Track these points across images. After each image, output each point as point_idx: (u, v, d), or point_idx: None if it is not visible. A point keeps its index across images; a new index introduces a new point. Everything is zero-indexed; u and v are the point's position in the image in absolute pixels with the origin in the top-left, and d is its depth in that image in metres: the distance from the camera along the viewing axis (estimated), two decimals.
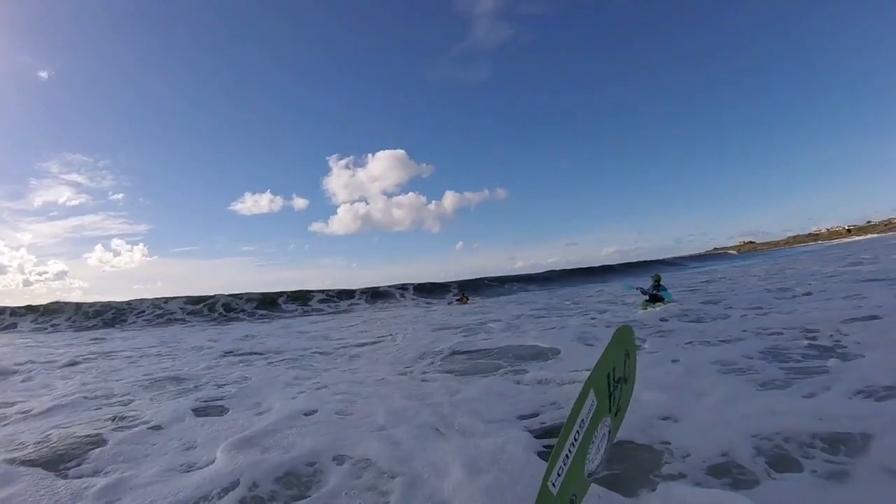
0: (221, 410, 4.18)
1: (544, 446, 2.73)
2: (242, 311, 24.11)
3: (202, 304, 24.49)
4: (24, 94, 58.84)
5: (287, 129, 75.96)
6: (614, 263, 32.30)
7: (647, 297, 10.19)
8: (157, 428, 3.67)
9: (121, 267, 57.55)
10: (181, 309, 23.93)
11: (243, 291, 26.28)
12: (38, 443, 3.45)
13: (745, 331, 5.66)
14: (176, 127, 71.71)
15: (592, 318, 9.35)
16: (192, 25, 65.76)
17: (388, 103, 77.60)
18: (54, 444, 3.39)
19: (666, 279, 11.37)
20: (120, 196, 64.55)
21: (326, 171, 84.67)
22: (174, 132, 72.24)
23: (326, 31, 72.38)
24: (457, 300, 21.99)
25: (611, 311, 10.48)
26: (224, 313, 23.59)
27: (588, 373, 1.54)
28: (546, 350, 5.88)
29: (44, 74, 56.27)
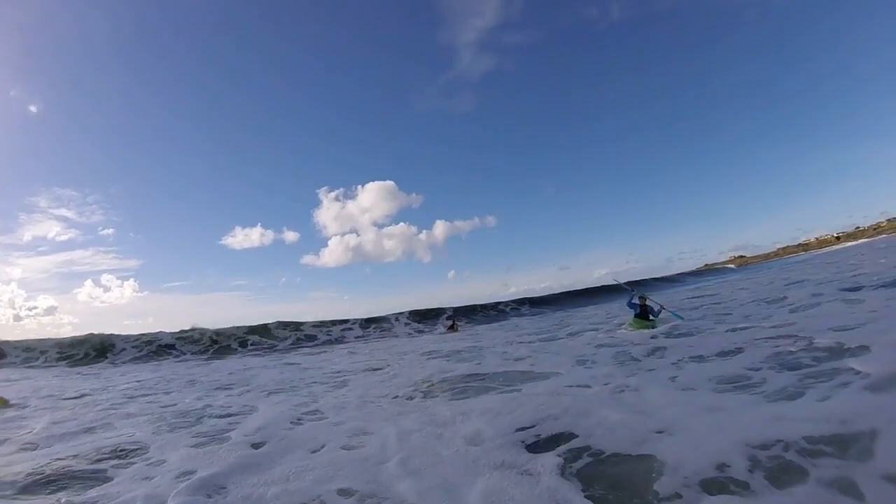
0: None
1: None
2: (234, 336, 24.18)
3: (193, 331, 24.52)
4: (14, 128, 59.25)
5: (276, 163, 76.84)
6: (609, 283, 32.35)
7: (636, 312, 9.86)
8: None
9: (111, 302, 56.82)
10: (177, 340, 23.75)
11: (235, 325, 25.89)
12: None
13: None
14: (166, 162, 72.39)
15: (587, 343, 9.41)
16: (180, 63, 67.24)
17: (377, 135, 78.96)
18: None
19: (664, 297, 11.28)
20: (110, 231, 64.46)
21: (317, 203, 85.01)
22: (164, 167, 72.83)
23: (312, 66, 74.11)
24: (448, 327, 21.01)
25: (603, 331, 10.54)
26: (214, 341, 23.52)
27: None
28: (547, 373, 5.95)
29: (33, 108, 56.76)
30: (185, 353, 21.81)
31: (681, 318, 10.07)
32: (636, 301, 10.14)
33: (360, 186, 74.03)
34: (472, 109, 75.93)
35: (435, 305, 30.48)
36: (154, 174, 74.09)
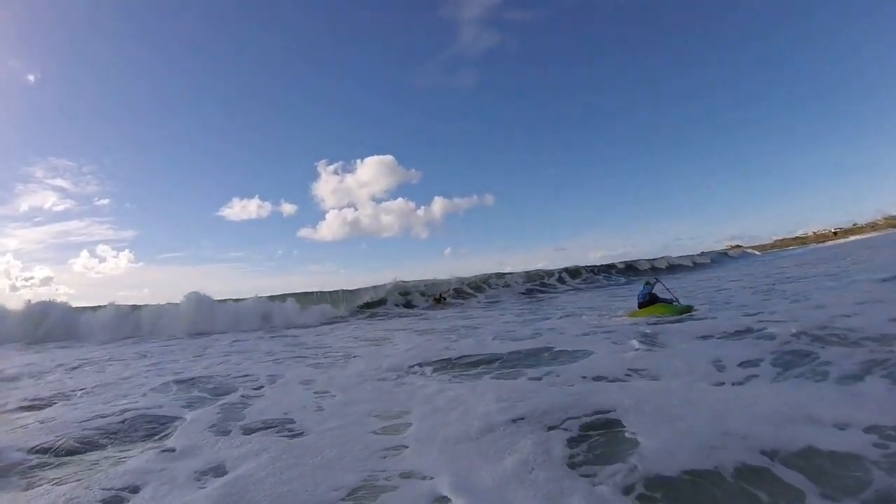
0: None
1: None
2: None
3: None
4: (12, 98, 58.10)
5: (275, 135, 75.77)
6: (604, 263, 31.79)
7: (642, 301, 9.23)
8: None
9: (107, 273, 56.94)
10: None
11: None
12: None
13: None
14: (162, 132, 71.24)
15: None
16: (179, 30, 65.46)
17: (377, 109, 77.72)
18: None
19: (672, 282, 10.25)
20: (105, 201, 63.94)
21: (315, 176, 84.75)
22: (160, 137, 71.74)
23: (314, 37, 72.33)
24: (434, 300, 20.36)
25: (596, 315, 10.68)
26: None
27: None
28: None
29: (31, 78, 55.65)
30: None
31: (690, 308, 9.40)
32: (645, 290, 9.44)
33: (359, 160, 73.27)
34: (474, 86, 74.74)
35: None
36: (151, 144, 73.08)
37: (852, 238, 75.84)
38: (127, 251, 64.61)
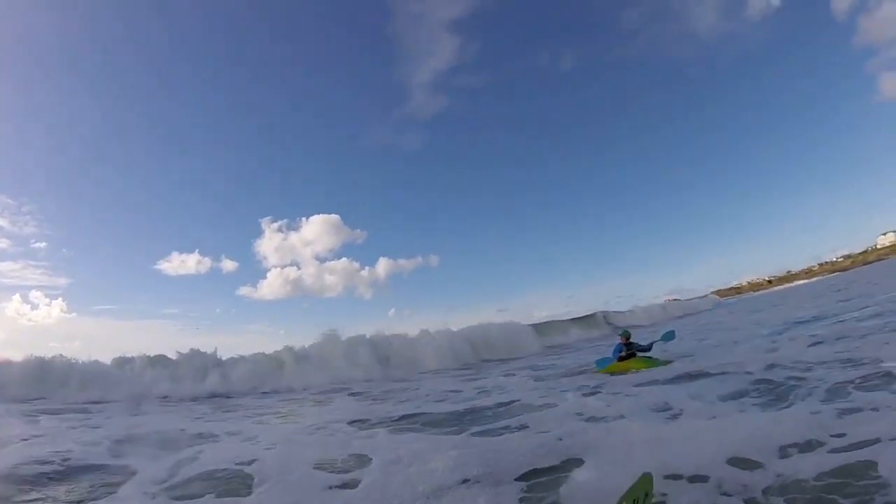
0: None
1: None
2: None
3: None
4: None
5: (219, 189, 74.47)
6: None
7: (618, 356, 8.54)
8: None
9: (38, 321, 52.45)
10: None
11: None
12: None
13: None
14: (106, 178, 68.81)
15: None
16: (125, 77, 65.53)
17: (324, 167, 78.96)
18: None
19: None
20: (42, 244, 60.22)
21: (258, 233, 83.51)
22: (103, 183, 68.96)
23: (262, 92, 73.90)
24: None
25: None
26: None
27: None
28: None
29: None
30: None
31: (672, 337, 9.33)
32: (619, 342, 8.75)
33: (304, 218, 72.83)
34: (421, 148, 77.91)
35: None
36: (92, 190, 70.09)
37: (786, 286, 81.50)
38: (60, 300, 59.34)
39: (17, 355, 17.52)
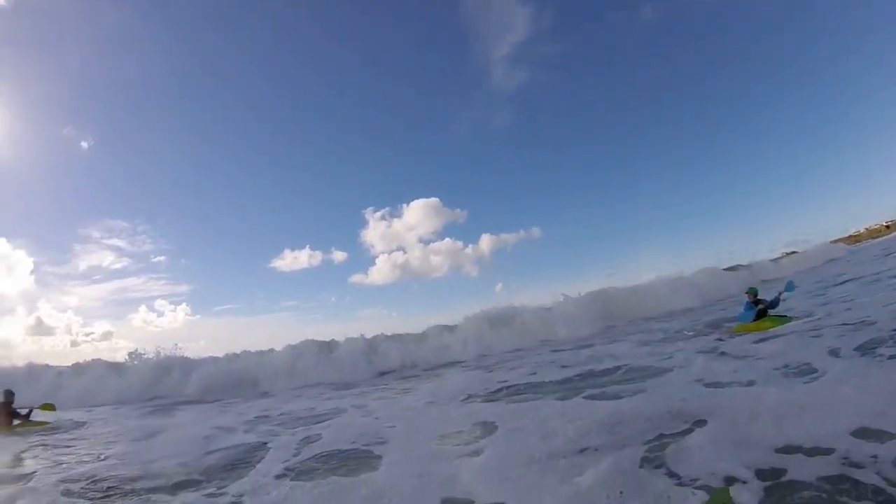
0: None
1: None
2: None
3: None
4: (67, 164, 63.99)
5: (323, 188, 79.25)
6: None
7: (751, 318, 8.45)
8: None
9: (164, 327, 60.10)
10: None
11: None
12: None
13: None
14: (213, 188, 76.07)
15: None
16: (222, 82, 70.34)
17: (417, 153, 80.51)
18: None
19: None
20: (161, 258, 68.15)
21: (363, 223, 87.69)
22: (211, 194, 76.40)
23: (352, 91, 75.89)
24: None
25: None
26: None
27: None
28: None
29: (84, 144, 61.50)
30: None
31: (792, 288, 9.10)
32: (746, 300, 8.68)
33: (404, 205, 75.30)
34: (509, 122, 76.51)
35: None
36: (202, 201, 77.76)
37: None
38: (184, 304, 67.54)
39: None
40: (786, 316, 8.41)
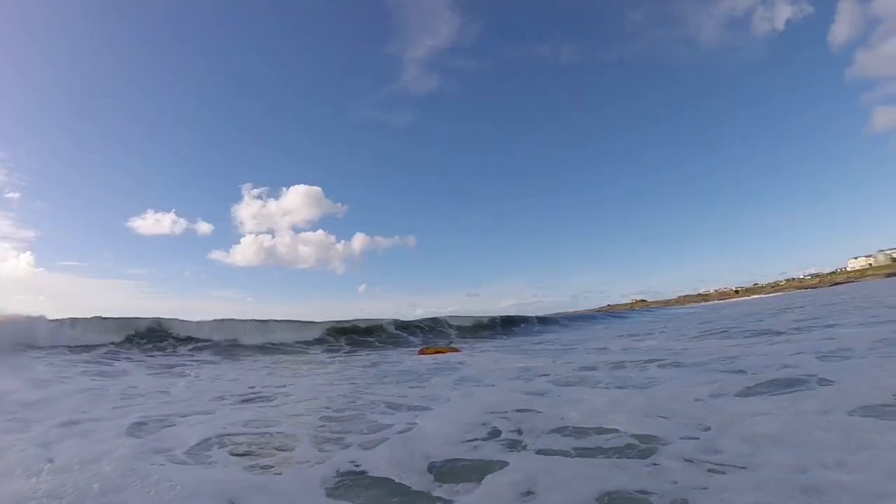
0: None
1: None
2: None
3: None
4: None
5: (202, 152, 72.92)
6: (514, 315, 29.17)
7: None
8: None
9: (4, 274, 51.76)
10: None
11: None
12: None
13: None
14: (82, 129, 66.24)
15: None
16: (117, 39, 62.92)
17: (308, 137, 77.75)
18: None
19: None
20: (15, 195, 58.22)
21: (238, 198, 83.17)
22: (80, 133, 66.43)
23: (249, 61, 72.21)
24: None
25: None
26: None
27: None
28: None
29: None
30: None
31: None
32: None
33: (285, 188, 72.55)
34: (410, 126, 77.65)
35: (341, 317, 21.04)
36: (68, 141, 67.02)
37: (753, 297, 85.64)
38: (28, 253, 58.43)
39: None
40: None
